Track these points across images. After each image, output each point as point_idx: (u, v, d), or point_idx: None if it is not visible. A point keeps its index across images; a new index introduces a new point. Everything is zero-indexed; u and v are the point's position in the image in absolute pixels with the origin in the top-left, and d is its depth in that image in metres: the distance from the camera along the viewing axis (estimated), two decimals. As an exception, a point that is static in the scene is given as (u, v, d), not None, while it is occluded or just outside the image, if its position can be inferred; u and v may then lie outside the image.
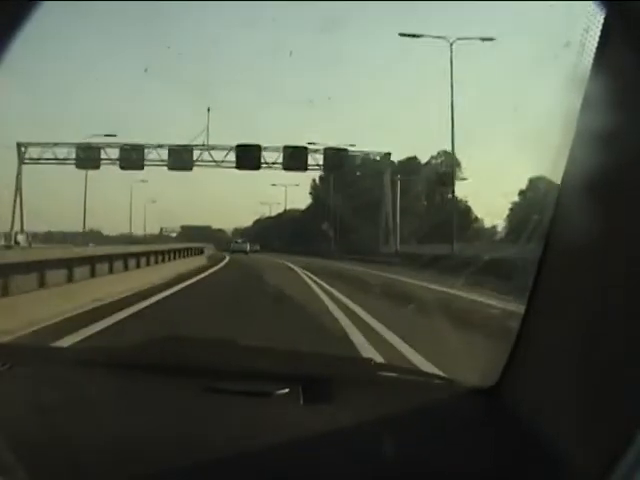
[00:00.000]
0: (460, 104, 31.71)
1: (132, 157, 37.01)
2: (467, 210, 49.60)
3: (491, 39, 29.64)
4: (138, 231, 63.77)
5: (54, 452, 1.06)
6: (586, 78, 1.04)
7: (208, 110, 38.24)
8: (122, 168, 37.46)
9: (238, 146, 37.43)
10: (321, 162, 38.34)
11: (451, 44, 28.47)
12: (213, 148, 37.78)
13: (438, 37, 28.60)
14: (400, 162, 49.71)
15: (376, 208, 43.38)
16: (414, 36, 28.99)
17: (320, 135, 76.87)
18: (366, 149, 39.21)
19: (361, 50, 68.42)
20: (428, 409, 1.34)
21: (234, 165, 37.40)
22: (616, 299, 0.94)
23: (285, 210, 66.78)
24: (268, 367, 1.53)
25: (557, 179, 1.15)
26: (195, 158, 37.59)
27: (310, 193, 63.06)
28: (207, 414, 1.28)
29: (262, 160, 37.56)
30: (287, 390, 1.35)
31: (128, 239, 51.92)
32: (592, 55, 1.02)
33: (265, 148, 37.86)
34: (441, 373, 1.77)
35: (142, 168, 37.62)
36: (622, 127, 0.93)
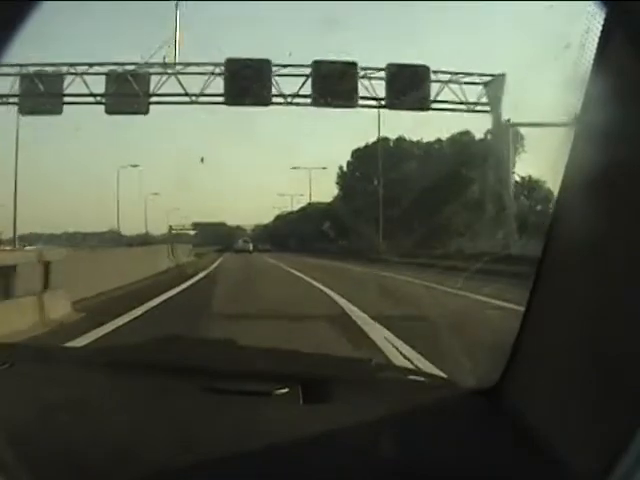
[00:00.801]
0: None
1: (39, 90, 20.40)
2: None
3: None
4: (132, 230, 59.17)
5: (54, 452, 1.06)
6: (586, 78, 1.04)
7: (176, 5, 21.50)
8: (22, 112, 21.05)
9: (230, 62, 20.32)
10: (380, 93, 21.24)
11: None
12: (183, 70, 20.88)
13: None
14: (449, 138, 40.25)
15: (461, 179, 26.81)
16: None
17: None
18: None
19: (361, 49, 63.23)
20: (428, 410, 1.32)
21: (221, 99, 20.40)
22: (617, 300, 0.94)
23: (309, 203, 56.72)
24: (267, 367, 1.51)
25: (557, 179, 1.14)
26: (152, 89, 20.85)
27: (337, 183, 51.62)
28: (206, 414, 1.27)
29: (273, 89, 20.55)
30: (286, 390, 1.34)
31: (143, 239, 47.99)
32: (592, 55, 1.01)
33: (280, 68, 20.86)
34: (441, 374, 1.61)
35: (59, 111, 20.93)
36: (622, 127, 0.93)
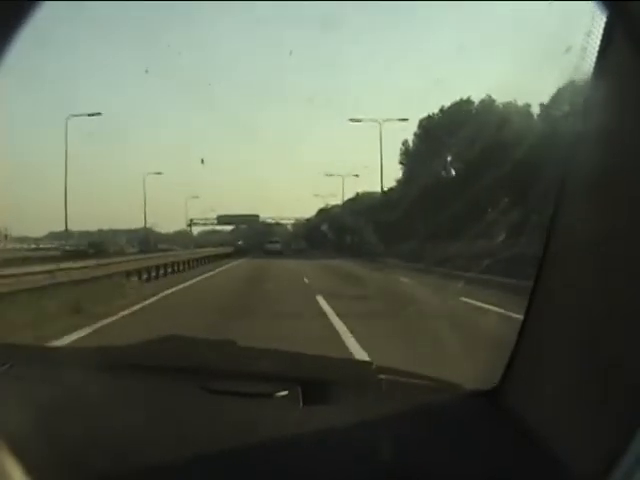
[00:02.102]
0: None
1: None
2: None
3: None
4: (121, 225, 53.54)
5: (54, 452, 1.05)
6: (587, 80, 1.05)
7: None
8: None
9: None
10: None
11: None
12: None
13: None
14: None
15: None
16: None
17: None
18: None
19: (361, 49, 65.01)
20: (428, 412, 1.31)
21: None
22: (617, 300, 0.93)
23: (357, 193, 44.03)
24: (268, 368, 1.50)
25: (558, 179, 1.13)
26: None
27: (401, 162, 37.81)
28: (206, 415, 1.26)
29: None
30: (286, 392, 1.33)
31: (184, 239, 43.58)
32: (594, 57, 1.01)
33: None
34: (441, 376, 1.57)
35: None
36: (623, 128, 0.93)
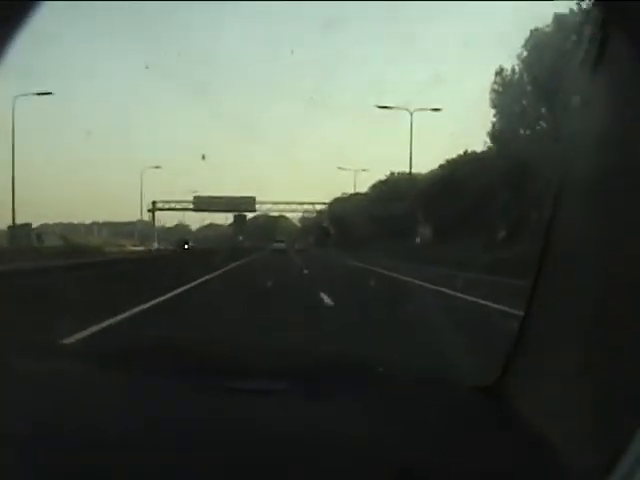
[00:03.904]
0: (459, 103, 23.60)
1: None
2: None
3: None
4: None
5: (56, 451, 1.05)
6: (585, 77, 1.04)
7: None
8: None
9: None
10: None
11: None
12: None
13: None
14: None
15: None
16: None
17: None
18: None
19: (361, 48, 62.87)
20: (427, 407, 1.32)
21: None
22: (616, 298, 0.93)
23: (392, 174, 29.74)
24: (269, 365, 1.50)
25: (557, 178, 1.13)
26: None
27: (494, 106, 23.57)
28: (207, 412, 1.27)
29: None
30: (288, 387, 1.35)
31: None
32: (592, 54, 1.01)
33: None
34: (441, 371, 1.68)
35: None
36: (622, 126, 0.93)
